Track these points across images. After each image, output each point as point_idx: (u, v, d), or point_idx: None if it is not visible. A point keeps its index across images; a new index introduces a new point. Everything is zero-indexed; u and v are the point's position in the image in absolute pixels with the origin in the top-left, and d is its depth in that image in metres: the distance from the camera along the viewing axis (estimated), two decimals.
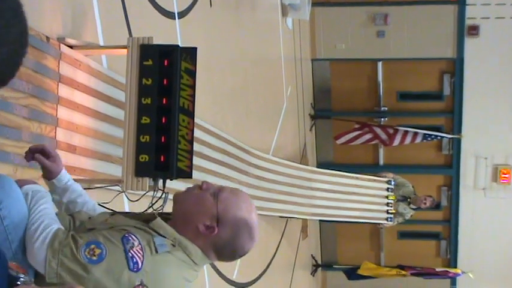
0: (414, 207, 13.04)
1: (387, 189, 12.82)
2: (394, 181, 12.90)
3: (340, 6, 16.37)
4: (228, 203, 2.69)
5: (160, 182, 4.61)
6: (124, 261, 2.53)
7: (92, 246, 2.55)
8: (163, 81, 4.56)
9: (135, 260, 2.53)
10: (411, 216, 13.21)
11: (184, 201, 2.76)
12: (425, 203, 12.93)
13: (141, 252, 2.56)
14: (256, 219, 2.75)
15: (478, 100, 16.48)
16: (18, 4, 1.43)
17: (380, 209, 12.93)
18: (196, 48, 4.66)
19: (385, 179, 12.92)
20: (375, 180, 13.01)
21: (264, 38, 12.21)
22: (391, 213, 12.80)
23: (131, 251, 2.55)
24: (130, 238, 2.58)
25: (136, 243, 2.57)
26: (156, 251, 2.59)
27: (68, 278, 2.53)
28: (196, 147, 5.94)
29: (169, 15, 6.95)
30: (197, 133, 5.46)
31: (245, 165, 9.44)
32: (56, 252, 2.54)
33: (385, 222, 13.06)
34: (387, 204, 12.79)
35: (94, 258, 2.52)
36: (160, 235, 2.65)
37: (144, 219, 2.77)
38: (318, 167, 15.74)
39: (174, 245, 2.64)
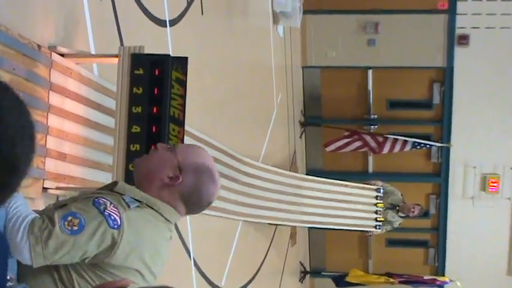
0: (403, 215, 13.07)
1: (376, 197, 12.84)
2: (383, 189, 12.93)
3: (331, 14, 16.42)
4: (186, 152, 2.81)
5: None
6: (104, 222, 2.58)
7: (69, 218, 2.59)
8: (154, 90, 4.59)
9: (113, 217, 2.59)
10: (400, 224, 13.25)
11: (143, 162, 2.87)
12: (413, 212, 12.96)
13: (115, 209, 2.62)
14: (214, 164, 2.85)
15: (468, 109, 16.56)
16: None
17: (369, 217, 12.95)
18: (187, 58, 4.69)
19: (374, 187, 12.95)
20: (363, 188, 13.03)
21: (255, 46, 12.24)
22: (380, 221, 12.82)
23: (106, 210, 2.60)
24: (101, 201, 2.64)
25: (108, 203, 2.62)
26: (128, 206, 2.65)
27: (56, 255, 2.57)
28: None
29: (161, 23, 6.98)
30: (187, 140, 5.47)
31: (235, 172, 9.45)
32: (37, 238, 2.57)
33: (374, 230, 13.09)
34: (376, 212, 12.82)
35: (75, 228, 2.57)
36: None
37: (108, 189, 2.85)
38: (307, 174, 15.76)
39: (146, 205, 2.71)
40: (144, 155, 2.92)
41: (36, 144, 1.51)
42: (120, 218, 2.60)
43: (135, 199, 2.70)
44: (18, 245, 2.58)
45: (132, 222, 2.64)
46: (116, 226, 2.59)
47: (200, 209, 2.87)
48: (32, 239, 2.57)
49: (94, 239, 2.58)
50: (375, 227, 12.93)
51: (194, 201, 2.80)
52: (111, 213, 2.60)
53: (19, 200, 2.73)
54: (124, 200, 2.69)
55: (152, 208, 2.72)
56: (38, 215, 2.69)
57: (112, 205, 2.62)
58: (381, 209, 12.82)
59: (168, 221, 2.77)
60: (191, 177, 2.75)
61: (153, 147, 2.92)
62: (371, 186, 13.10)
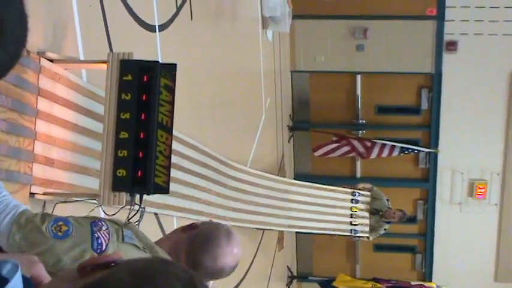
0: (386, 220, 13.09)
1: (351, 201, 12.79)
2: (358, 193, 12.84)
3: (320, 19, 16.45)
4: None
5: (138, 196, 4.63)
6: (89, 241, 2.53)
7: (60, 222, 2.57)
8: (143, 96, 4.59)
9: (100, 241, 2.54)
10: (385, 230, 13.26)
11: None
12: (394, 217, 12.99)
13: (107, 235, 2.56)
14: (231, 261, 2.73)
15: (455, 115, 16.62)
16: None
17: (355, 222, 12.99)
18: (175, 64, 4.69)
19: (350, 191, 12.91)
20: (352, 193, 13.06)
21: (244, 50, 12.25)
22: (355, 225, 12.77)
23: (98, 232, 2.55)
24: (99, 223, 2.60)
25: (104, 228, 2.58)
26: (123, 239, 2.59)
27: (31, 251, 2.51)
28: (174, 159, 5.96)
29: (150, 28, 6.98)
30: (175, 145, 5.48)
31: (223, 177, 9.46)
32: (21, 227, 2.56)
33: (361, 235, 13.12)
34: (351, 216, 12.76)
35: (59, 234, 2.53)
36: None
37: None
38: (295, 178, 15.79)
39: (144, 250, 2.64)
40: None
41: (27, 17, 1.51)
42: (106, 245, 2.55)
43: (138, 242, 2.64)
44: (2, 230, 2.57)
45: None
46: (98, 250, 2.53)
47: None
48: (15, 227, 2.56)
49: (72, 253, 2.53)
50: (350, 231, 12.88)
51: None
52: (100, 237, 2.56)
53: (3, 191, 2.74)
54: (123, 232, 2.63)
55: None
56: (27, 207, 2.70)
57: (107, 230, 2.58)
58: (355, 213, 12.80)
59: None
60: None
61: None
62: (358, 191, 13.12)
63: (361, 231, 13.00)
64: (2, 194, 2.70)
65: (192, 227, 2.70)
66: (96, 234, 2.56)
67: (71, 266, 2.50)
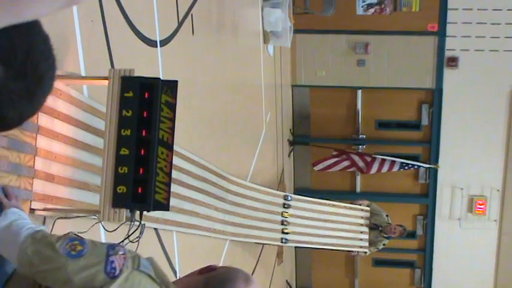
0: (385, 235, 13.07)
1: (283, 205, 12.36)
2: (290, 197, 12.62)
3: (321, 34, 16.47)
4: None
5: (138, 213, 4.63)
6: (102, 263, 2.44)
7: (76, 242, 2.51)
8: (144, 113, 4.59)
9: (114, 265, 2.44)
10: (384, 245, 13.23)
11: None
12: (394, 232, 12.98)
13: (123, 261, 2.47)
14: None
15: (456, 131, 16.62)
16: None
17: (355, 237, 12.98)
18: (177, 81, 4.69)
19: (284, 194, 12.72)
20: (351, 208, 13.06)
21: (246, 65, 12.27)
22: (286, 233, 12.38)
23: (113, 256, 2.46)
24: (116, 247, 2.52)
25: (121, 252, 2.50)
26: (138, 267, 2.48)
27: (41, 267, 2.48)
28: (174, 174, 5.95)
29: (152, 43, 6.99)
30: (175, 160, 5.47)
31: (222, 191, 9.46)
32: (35, 241, 2.52)
33: (360, 249, 13.11)
34: (282, 223, 12.34)
35: (73, 252, 2.47)
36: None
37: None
38: (295, 193, 15.78)
39: (160, 286, 2.51)
40: None
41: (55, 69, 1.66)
42: (120, 270, 2.45)
43: (153, 275, 2.51)
44: (14, 244, 2.54)
45: (130, 284, 2.46)
46: (110, 274, 2.43)
47: None
48: (29, 240, 2.53)
49: (83, 274, 2.44)
50: (281, 240, 12.42)
51: None
52: (115, 261, 2.46)
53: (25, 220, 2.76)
54: (139, 259, 2.53)
55: None
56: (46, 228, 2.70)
57: (124, 255, 2.49)
58: (287, 219, 12.56)
59: None
60: None
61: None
62: (358, 207, 13.13)
63: (360, 246, 12.99)
64: (24, 216, 2.72)
65: (209, 269, 2.56)
66: (111, 258, 2.47)
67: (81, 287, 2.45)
